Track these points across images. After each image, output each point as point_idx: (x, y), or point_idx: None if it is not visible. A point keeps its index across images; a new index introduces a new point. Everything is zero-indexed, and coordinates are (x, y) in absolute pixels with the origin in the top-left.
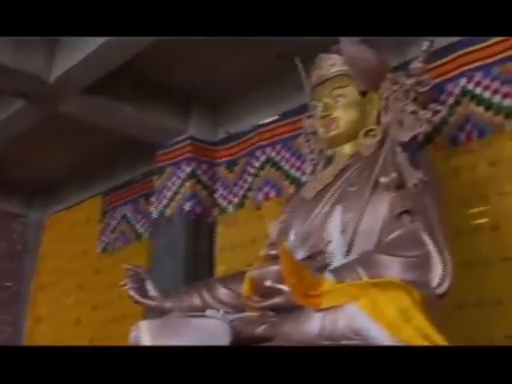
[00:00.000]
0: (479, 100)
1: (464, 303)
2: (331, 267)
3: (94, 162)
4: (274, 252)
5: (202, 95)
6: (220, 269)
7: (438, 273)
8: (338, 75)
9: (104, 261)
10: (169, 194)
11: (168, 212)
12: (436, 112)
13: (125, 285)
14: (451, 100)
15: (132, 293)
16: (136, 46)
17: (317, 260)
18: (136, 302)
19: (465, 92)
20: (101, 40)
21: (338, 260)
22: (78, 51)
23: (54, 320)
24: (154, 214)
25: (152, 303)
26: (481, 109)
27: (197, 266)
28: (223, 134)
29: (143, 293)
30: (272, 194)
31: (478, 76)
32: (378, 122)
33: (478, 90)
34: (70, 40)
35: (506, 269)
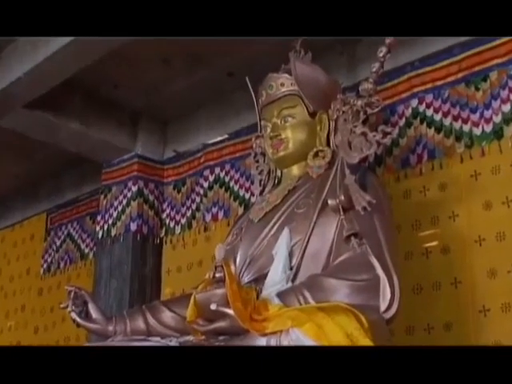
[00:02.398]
0: (430, 122)
1: (413, 327)
2: (277, 291)
3: (39, 178)
4: (219, 275)
5: (150, 112)
6: (166, 291)
7: (386, 297)
8: (286, 95)
9: (47, 281)
10: (115, 214)
11: (114, 232)
12: (386, 134)
13: (66, 307)
14: (402, 122)
15: (74, 316)
16: (82, 61)
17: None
18: (78, 325)
19: (416, 114)
20: (43, 55)
21: (284, 283)
22: (20, 66)
23: None
24: (100, 234)
25: (95, 326)
26: (431, 131)
27: (142, 288)
28: (171, 153)
29: (86, 315)
30: (220, 215)
31: (428, 98)
32: (328, 143)
33: (429, 112)
34: (11, 54)
35: (455, 292)
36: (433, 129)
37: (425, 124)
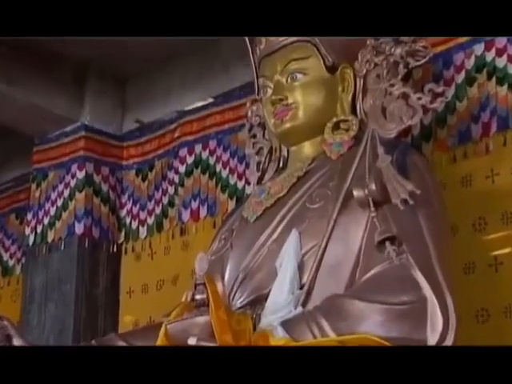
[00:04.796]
0: (501, 77)
1: None
2: (282, 318)
3: None
4: (200, 296)
5: (102, 66)
6: (126, 319)
7: (436, 327)
8: (295, 42)
9: None
10: (52, 210)
11: (51, 236)
12: (437, 95)
13: None
14: (460, 77)
15: None
16: None
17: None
18: None
19: (481, 65)
20: None
21: (291, 308)
22: None
23: None
24: (30, 239)
25: None
26: (503, 89)
27: (92, 315)
28: (133, 124)
29: None
30: (203, 213)
31: (500, 42)
32: (354, 111)
33: (501, 62)
34: None
35: None
36: (505, 86)
37: (494, 80)
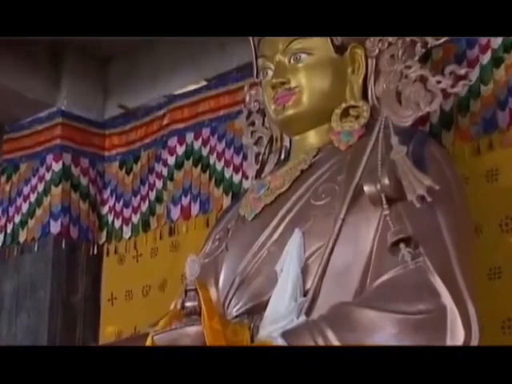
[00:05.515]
0: None
1: None
2: (283, 329)
3: None
4: (191, 304)
5: (82, 47)
6: (108, 330)
7: (457, 338)
8: None
9: None
10: (24, 206)
11: (23, 236)
12: (459, 78)
13: None
14: (486, 58)
15: None
16: None
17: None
18: None
19: (510, 42)
20: None
21: (293, 317)
22: None
23: None
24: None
25: None
26: None
27: (70, 325)
28: (116, 110)
29: None
30: (194, 210)
31: None
32: (365, 95)
33: None
34: None
35: None
36: None
37: None
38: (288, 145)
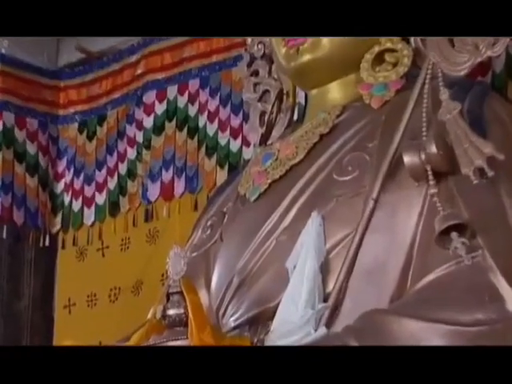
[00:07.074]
0: None
1: None
2: (298, 343)
3: None
4: (175, 312)
5: None
6: (62, 342)
7: None
8: None
9: None
10: None
11: None
12: None
13: None
14: None
15: None
16: None
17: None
18: None
19: None
20: None
21: (310, 329)
22: None
23: None
24: None
25: None
26: None
27: (13, 337)
28: (74, 54)
29: None
30: (178, 188)
31: None
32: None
33: None
34: None
35: None
36: None
37: None
38: (303, 101)
